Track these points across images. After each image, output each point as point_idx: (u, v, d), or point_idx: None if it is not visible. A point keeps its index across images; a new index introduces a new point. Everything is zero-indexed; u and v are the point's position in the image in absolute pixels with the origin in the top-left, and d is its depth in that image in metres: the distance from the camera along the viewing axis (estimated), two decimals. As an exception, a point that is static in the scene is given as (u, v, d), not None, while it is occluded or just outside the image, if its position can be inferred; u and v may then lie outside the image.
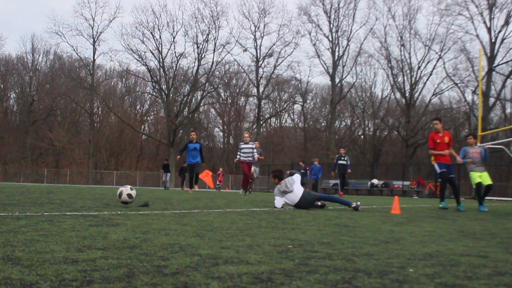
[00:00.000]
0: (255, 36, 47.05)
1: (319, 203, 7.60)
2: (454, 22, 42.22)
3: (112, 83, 56.07)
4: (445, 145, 9.14)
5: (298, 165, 27.56)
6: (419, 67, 44.54)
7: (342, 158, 18.65)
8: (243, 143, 13.52)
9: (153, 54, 45.58)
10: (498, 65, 39.29)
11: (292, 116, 58.72)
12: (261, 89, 48.54)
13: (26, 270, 1.90)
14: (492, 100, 41.18)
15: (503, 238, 3.90)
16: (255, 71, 47.85)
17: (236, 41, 46.34)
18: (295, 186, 7.47)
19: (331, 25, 46.00)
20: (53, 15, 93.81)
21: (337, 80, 46.70)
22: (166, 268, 2.06)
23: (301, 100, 53.99)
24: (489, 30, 40.71)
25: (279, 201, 7.39)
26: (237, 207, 7.29)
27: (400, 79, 45.43)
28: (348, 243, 3.17)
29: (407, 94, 44.65)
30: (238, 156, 13.48)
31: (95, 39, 46.26)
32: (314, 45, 46.62)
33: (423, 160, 43.01)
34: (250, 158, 13.39)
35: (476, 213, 8.13)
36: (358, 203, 7.57)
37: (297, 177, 7.62)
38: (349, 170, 18.87)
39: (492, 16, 40.53)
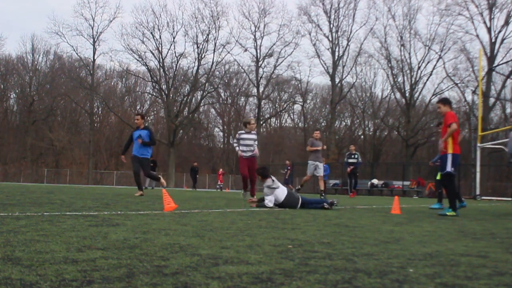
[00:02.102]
0: (255, 36, 47.08)
1: (325, 205, 7.50)
2: (454, 22, 42.30)
3: (112, 83, 56.11)
4: (444, 132, 7.23)
5: (293, 165, 27.58)
6: (419, 67, 44.59)
7: (353, 156, 17.50)
8: (243, 132, 10.28)
9: (153, 54, 45.60)
10: (498, 65, 39.29)
11: (292, 116, 58.79)
12: (261, 89, 48.56)
13: (26, 270, 1.90)
14: (492, 100, 41.20)
15: (503, 238, 3.90)
16: (255, 71, 47.87)
17: (236, 41, 46.36)
18: (280, 184, 7.49)
19: (331, 25, 46.06)
20: (53, 15, 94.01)
21: (337, 80, 46.73)
22: (166, 268, 2.06)
23: (301, 100, 54.03)
24: (489, 30, 40.74)
25: (270, 200, 7.32)
26: (237, 207, 7.29)
27: (400, 79, 45.50)
28: (348, 243, 3.17)
29: (407, 94, 44.68)
30: (237, 148, 10.32)
31: (95, 39, 46.28)
32: (314, 45, 46.70)
33: (423, 160, 43.02)
34: (252, 153, 10.25)
35: (476, 213, 8.13)
36: (335, 201, 7.60)
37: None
38: (350, 168, 17.56)
39: (492, 16, 40.58)
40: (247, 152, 10.13)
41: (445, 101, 7.33)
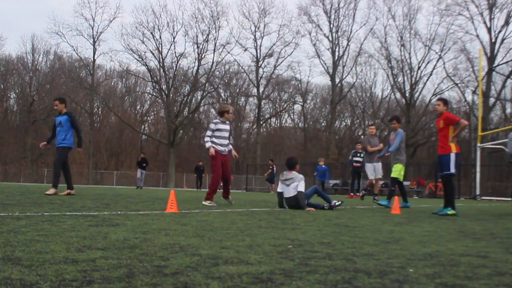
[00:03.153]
0: (255, 36, 47.09)
1: (325, 206, 7.55)
2: (454, 22, 42.31)
3: (112, 83, 56.11)
4: (440, 132, 7.21)
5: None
6: (419, 67, 44.59)
7: (359, 155, 15.53)
8: (219, 121, 8.20)
9: (153, 54, 45.58)
10: (498, 65, 39.28)
11: (292, 116, 58.78)
12: (261, 89, 48.57)
13: (26, 270, 1.90)
14: (492, 100, 41.19)
15: (503, 238, 3.90)
16: (255, 71, 47.88)
17: (236, 41, 46.38)
18: (293, 185, 7.45)
19: (331, 25, 46.06)
20: (53, 15, 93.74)
21: (337, 80, 46.73)
22: (166, 268, 2.06)
23: (301, 100, 54.06)
24: (489, 30, 40.73)
25: (279, 186, 7.69)
26: (237, 207, 7.30)
27: (400, 79, 45.50)
28: (348, 243, 3.17)
29: (407, 94, 44.68)
30: (209, 144, 8.00)
31: (95, 39, 46.25)
32: (314, 45, 46.71)
33: (423, 160, 43.02)
34: (228, 148, 8.25)
35: (476, 213, 8.12)
36: (337, 202, 7.62)
37: (302, 185, 7.51)
38: (356, 164, 15.58)
39: (492, 16, 40.56)
40: (224, 146, 8.12)
41: (446, 102, 7.42)
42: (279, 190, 7.65)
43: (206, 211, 6.00)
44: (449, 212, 6.92)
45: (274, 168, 26.06)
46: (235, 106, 54.09)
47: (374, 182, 12.16)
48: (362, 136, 11.19)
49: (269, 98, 51.58)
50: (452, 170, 7.02)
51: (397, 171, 9.39)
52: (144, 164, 23.92)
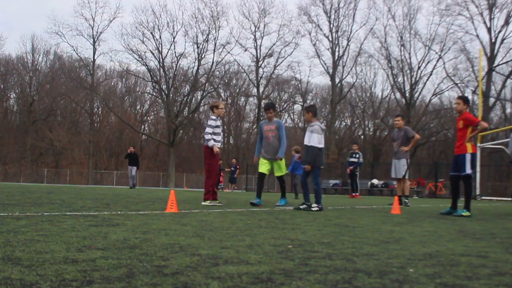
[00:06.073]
0: (255, 36, 47.09)
1: (301, 206, 7.16)
2: (454, 22, 42.27)
3: (112, 83, 56.09)
4: (458, 132, 7.10)
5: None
6: (419, 67, 44.58)
7: (354, 155, 16.26)
8: (215, 117, 8.00)
9: (153, 54, 45.57)
10: (498, 65, 39.27)
11: (292, 116, 58.78)
12: (261, 89, 48.56)
13: (26, 270, 1.90)
14: (492, 100, 41.18)
15: (503, 238, 3.90)
16: (255, 71, 47.87)
17: (236, 41, 46.37)
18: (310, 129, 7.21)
19: (331, 25, 46.04)
20: (53, 15, 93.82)
21: (337, 80, 46.73)
22: (166, 268, 2.06)
23: (301, 100, 54.03)
24: (489, 30, 40.70)
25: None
26: (237, 207, 7.30)
27: (400, 79, 45.49)
28: (348, 243, 3.17)
29: (407, 94, 44.67)
30: (213, 142, 7.84)
31: (95, 39, 46.28)
32: (314, 45, 46.70)
33: (423, 160, 43.01)
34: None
35: (476, 213, 8.11)
36: (314, 207, 7.01)
37: (314, 137, 7.21)
38: (349, 168, 16.10)
39: (492, 16, 40.53)
40: (220, 143, 8.05)
41: (466, 100, 7.25)
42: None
43: (206, 211, 6.00)
44: (464, 214, 6.82)
45: (237, 167, 26.02)
46: (235, 106, 54.11)
47: (397, 182, 10.60)
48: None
49: (269, 98, 51.56)
50: (468, 171, 6.95)
51: (285, 168, 8.45)
52: (135, 161, 21.09)
